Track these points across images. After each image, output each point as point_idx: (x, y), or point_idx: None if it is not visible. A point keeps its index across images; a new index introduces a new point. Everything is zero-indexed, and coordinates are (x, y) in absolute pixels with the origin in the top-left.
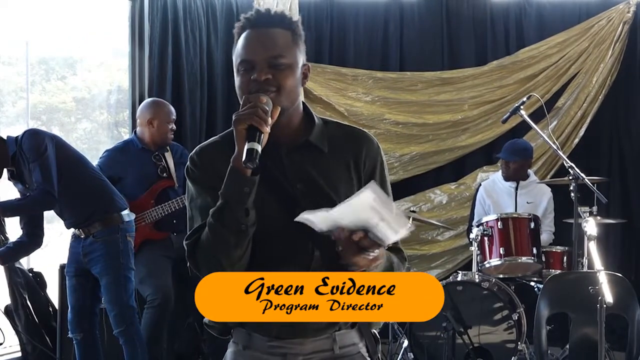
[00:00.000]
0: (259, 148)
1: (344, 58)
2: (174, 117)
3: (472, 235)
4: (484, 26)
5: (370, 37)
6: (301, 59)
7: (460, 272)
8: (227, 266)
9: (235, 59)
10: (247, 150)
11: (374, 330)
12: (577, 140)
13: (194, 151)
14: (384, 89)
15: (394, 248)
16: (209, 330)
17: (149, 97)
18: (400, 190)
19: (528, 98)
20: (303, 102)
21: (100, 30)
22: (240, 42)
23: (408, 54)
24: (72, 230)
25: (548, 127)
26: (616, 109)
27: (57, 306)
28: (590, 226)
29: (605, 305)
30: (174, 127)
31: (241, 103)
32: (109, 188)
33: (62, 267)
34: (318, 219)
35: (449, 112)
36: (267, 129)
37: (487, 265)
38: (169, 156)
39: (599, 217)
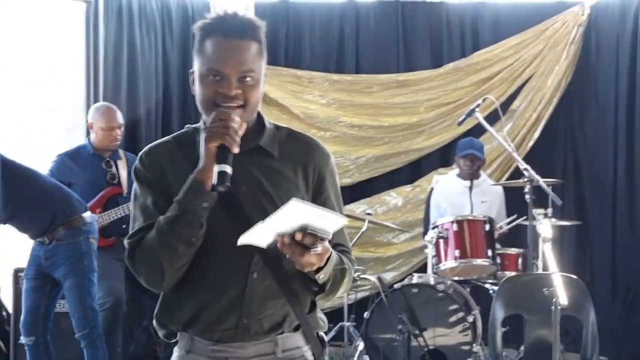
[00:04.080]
0: (229, 170)
1: (299, 60)
2: (115, 123)
3: (427, 238)
4: (440, 28)
5: (326, 39)
6: (264, 69)
7: (415, 274)
8: (167, 271)
9: (202, 64)
10: (220, 172)
11: (321, 333)
12: (531, 142)
13: (143, 151)
14: (340, 92)
15: (343, 251)
16: (157, 333)
17: (104, 100)
18: (356, 192)
19: (483, 100)
20: None
21: (54, 32)
22: (209, 49)
23: (364, 56)
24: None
25: (503, 129)
26: (571, 112)
27: (10, 311)
28: (545, 228)
29: (559, 307)
30: (118, 132)
31: (211, 116)
32: (65, 192)
33: (15, 272)
34: (257, 235)
35: (405, 114)
36: (237, 150)
37: (443, 268)
38: (122, 163)
39: (553, 219)
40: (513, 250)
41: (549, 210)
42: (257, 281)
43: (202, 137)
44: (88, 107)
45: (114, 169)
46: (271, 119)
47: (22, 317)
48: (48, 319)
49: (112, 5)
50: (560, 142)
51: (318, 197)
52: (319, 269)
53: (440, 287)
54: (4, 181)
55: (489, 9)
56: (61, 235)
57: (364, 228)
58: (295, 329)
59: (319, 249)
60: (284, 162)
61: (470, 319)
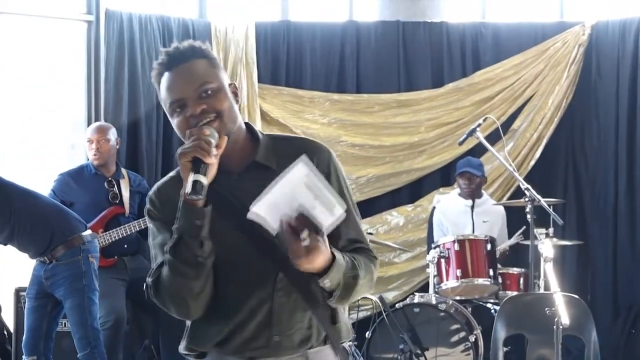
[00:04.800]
0: (204, 179)
1: (300, 80)
2: (90, 135)
3: (428, 257)
4: (440, 48)
5: (327, 59)
6: (225, 79)
7: (417, 294)
8: (190, 299)
9: (165, 103)
10: (192, 182)
11: (346, 344)
12: (533, 162)
13: (151, 191)
14: (341, 111)
15: (359, 248)
16: (158, 352)
17: (105, 119)
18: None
19: (484, 120)
20: (246, 122)
21: (55, 51)
22: (163, 86)
23: (364, 76)
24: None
25: (504, 149)
26: (572, 131)
27: (12, 330)
28: (547, 248)
29: (561, 327)
30: (93, 147)
31: (186, 138)
32: (64, 212)
33: (17, 291)
34: (266, 212)
35: (406, 134)
36: (212, 160)
37: (444, 287)
38: (124, 183)
39: (555, 239)
40: (514, 270)
41: (551, 230)
42: (284, 297)
43: (179, 151)
44: (89, 126)
45: (115, 189)
46: None
47: (23, 337)
48: (50, 338)
49: (114, 25)
50: (561, 161)
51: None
52: (323, 275)
53: (442, 306)
54: (0, 204)
55: (490, 29)
56: (60, 255)
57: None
58: (324, 342)
59: (307, 241)
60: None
61: (471, 338)
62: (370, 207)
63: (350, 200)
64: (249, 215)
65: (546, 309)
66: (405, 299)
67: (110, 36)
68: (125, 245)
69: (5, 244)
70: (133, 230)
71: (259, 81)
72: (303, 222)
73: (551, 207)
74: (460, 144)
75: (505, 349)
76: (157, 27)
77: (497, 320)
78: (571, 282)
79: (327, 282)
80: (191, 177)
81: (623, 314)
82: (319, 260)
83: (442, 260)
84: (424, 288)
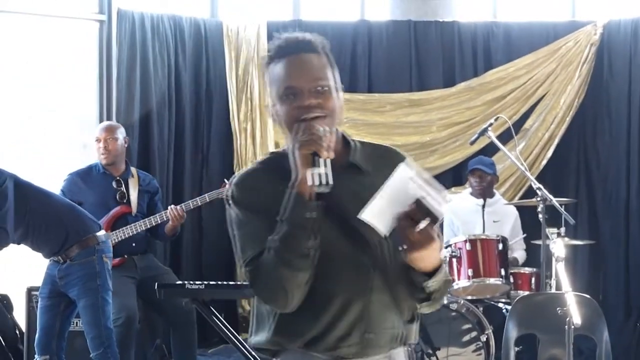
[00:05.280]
0: (329, 172)
1: None
2: (98, 134)
3: None
4: (452, 47)
5: (339, 58)
6: (337, 79)
7: None
8: (290, 290)
9: (278, 86)
10: (317, 174)
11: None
12: (545, 161)
13: (237, 178)
14: (353, 111)
15: None
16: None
17: (117, 119)
18: None
19: (496, 119)
20: None
21: (68, 51)
22: (279, 69)
23: (376, 76)
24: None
25: (516, 148)
26: (583, 131)
27: (23, 329)
28: (558, 247)
29: (573, 327)
30: (102, 146)
31: (294, 130)
32: (78, 212)
33: (29, 290)
34: (378, 215)
35: (418, 133)
36: (331, 154)
37: (456, 287)
38: (133, 182)
39: (566, 239)
40: (526, 270)
41: (562, 230)
42: (377, 296)
43: (293, 149)
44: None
45: (123, 188)
46: (283, 137)
47: (36, 336)
48: (62, 337)
49: (125, 24)
50: (573, 161)
51: None
52: (430, 275)
53: (454, 306)
54: (15, 203)
55: (502, 28)
56: (74, 255)
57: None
58: (402, 342)
59: (424, 223)
60: (376, 176)
61: (483, 338)
62: None
63: None
64: (360, 216)
65: (558, 308)
66: None
67: (122, 36)
68: (134, 244)
69: (19, 243)
70: (141, 229)
71: None
72: (422, 211)
73: (563, 206)
74: (472, 143)
75: (516, 348)
76: (168, 26)
77: (509, 320)
78: (583, 282)
79: (432, 284)
80: (314, 170)
81: (635, 313)
82: (436, 252)
83: (454, 260)
84: None
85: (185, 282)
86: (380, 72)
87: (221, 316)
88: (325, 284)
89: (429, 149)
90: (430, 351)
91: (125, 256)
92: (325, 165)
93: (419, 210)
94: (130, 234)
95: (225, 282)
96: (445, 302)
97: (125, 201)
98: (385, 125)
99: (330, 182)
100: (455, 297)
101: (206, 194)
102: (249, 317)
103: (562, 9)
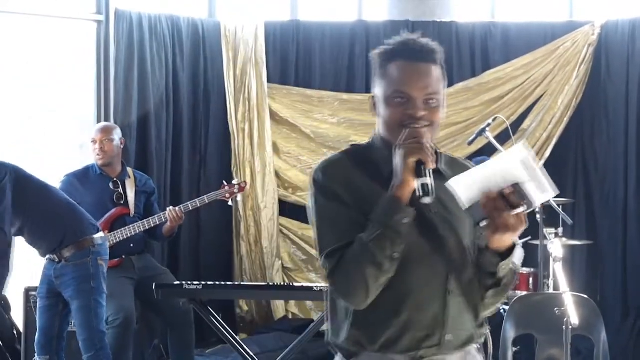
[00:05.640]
0: (431, 182)
1: (310, 80)
2: (94, 135)
3: None
4: (450, 48)
5: (336, 58)
6: (444, 94)
7: None
8: (371, 290)
9: (388, 87)
10: (423, 184)
11: None
12: (542, 162)
13: (324, 165)
14: (350, 111)
15: None
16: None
17: (114, 119)
18: None
19: (494, 120)
20: None
21: (65, 51)
22: (395, 72)
23: (374, 76)
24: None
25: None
26: (581, 131)
27: (21, 329)
28: (556, 248)
29: (571, 327)
30: (98, 147)
31: (403, 135)
32: (78, 212)
33: (26, 290)
34: (465, 184)
35: None
36: (432, 166)
37: None
38: (130, 183)
39: (564, 239)
40: (524, 270)
41: (560, 230)
42: (454, 297)
43: (398, 153)
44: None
45: (120, 189)
46: (281, 138)
47: (36, 336)
48: (61, 337)
49: (123, 24)
50: (570, 161)
51: None
52: (503, 257)
53: None
54: (15, 196)
55: (500, 29)
56: (69, 256)
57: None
58: (472, 342)
59: (523, 209)
60: None
61: None
62: None
63: None
64: (448, 184)
65: (555, 309)
66: None
67: (120, 36)
68: (132, 245)
69: (16, 236)
70: (139, 230)
71: (269, 81)
72: (520, 196)
73: (560, 206)
74: (470, 143)
75: (514, 348)
76: (166, 27)
77: (506, 320)
78: (581, 282)
79: (504, 266)
80: (418, 181)
81: (633, 314)
82: (518, 232)
83: None
84: None
85: (183, 282)
86: None
87: (219, 316)
88: (404, 285)
89: None
90: None
91: (123, 257)
92: (430, 176)
93: (517, 194)
94: (129, 235)
95: (223, 283)
96: None
97: (122, 202)
98: None
99: (432, 193)
100: None
101: (205, 196)
102: (247, 317)
103: (560, 9)
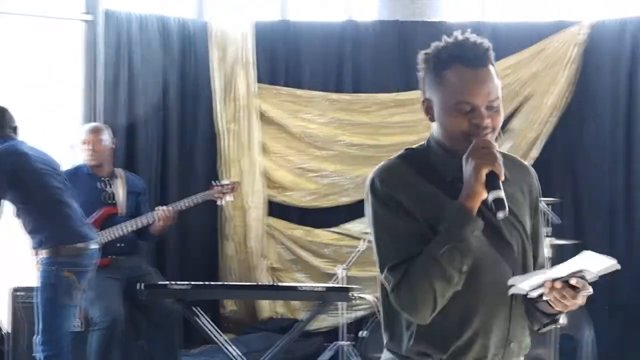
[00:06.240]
0: (503, 195)
1: (299, 80)
2: (83, 137)
3: None
4: None
5: (325, 58)
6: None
7: None
8: (438, 304)
9: (449, 96)
10: (497, 199)
11: None
12: (530, 161)
13: (381, 172)
14: (339, 111)
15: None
16: (153, 353)
17: (103, 119)
18: (354, 211)
19: None
20: None
21: (54, 51)
22: (455, 79)
23: (363, 76)
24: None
25: (501, 148)
26: (569, 131)
27: (9, 330)
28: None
29: (558, 326)
30: (89, 147)
31: (474, 144)
32: (68, 217)
33: (13, 291)
34: (527, 280)
35: (403, 133)
36: (503, 177)
37: None
38: (120, 183)
39: (552, 238)
40: None
41: (548, 230)
42: (518, 303)
43: (470, 164)
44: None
45: (110, 189)
46: (269, 138)
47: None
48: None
49: (112, 25)
50: (558, 161)
51: (533, 218)
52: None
53: None
54: (15, 179)
55: (488, 28)
56: (41, 258)
57: (362, 247)
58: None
59: (589, 291)
60: (514, 186)
61: None
62: None
63: (541, 220)
64: (511, 291)
65: None
66: None
67: (109, 36)
68: (122, 245)
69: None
70: (128, 230)
71: (258, 81)
72: (582, 279)
73: (549, 206)
74: None
75: None
76: (155, 27)
77: None
78: None
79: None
80: (492, 195)
81: (619, 313)
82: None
83: None
84: None
85: (170, 282)
86: (367, 72)
87: (205, 316)
88: (474, 295)
89: None
90: None
91: (112, 257)
92: (499, 188)
93: (579, 281)
94: (119, 234)
95: (209, 283)
96: None
97: (112, 202)
98: (372, 126)
99: (506, 208)
100: None
101: (197, 195)
102: (233, 317)
103: (548, 9)
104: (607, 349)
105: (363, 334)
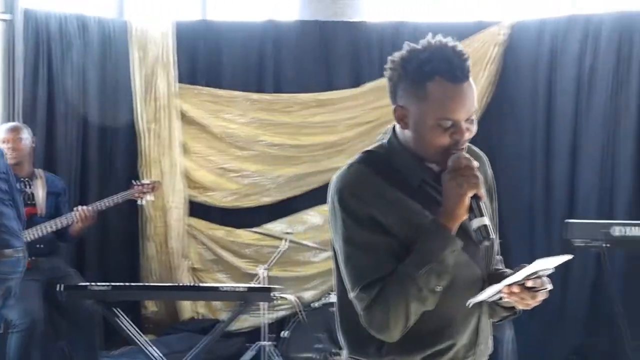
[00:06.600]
0: (488, 221)
1: (219, 80)
2: (3, 136)
3: None
4: (360, 47)
5: (246, 58)
6: None
7: (334, 293)
8: (410, 323)
9: (430, 110)
10: (482, 226)
11: None
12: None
13: (350, 183)
14: (260, 111)
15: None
16: (71, 354)
17: (22, 119)
18: (276, 211)
19: None
20: None
21: None
22: (439, 95)
23: (284, 76)
24: None
25: None
26: (489, 131)
27: None
28: None
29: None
30: (8, 146)
31: (452, 161)
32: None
33: None
34: (487, 293)
35: (325, 133)
36: (484, 198)
37: None
38: (40, 183)
39: None
40: None
41: None
42: (484, 316)
43: (453, 185)
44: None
45: (29, 189)
46: (190, 138)
47: None
48: None
49: (31, 24)
50: None
51: (491, 205)
52: None
53: None
54: None
55: (409, 29)
56: None
57: (284, 247)
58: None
59: (550, 286)
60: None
61: None
62: (289, 207)
63: (497, 206)
64: (471, 302)
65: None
66: (322, 298)
67: (28, 35)
68: (41, 245)
69: None
70: (48, 231)
71: (178, 81)
72: (537, 279)
73: None
74: None
75: None
76: (75, 26)
77: None
78: None
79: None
80: (477, 222)
81: (540, 313)
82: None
83: None
84: None
85: (90, 283)
86: (288, 72)
87: (126, 317)
88: (446, 312)
89: (336, 149)
90: (335, 351)
91: (32, 258)
92: (482, 213)
93: (536, 281)
94: (38, 235)
95: (130, 284)
96: None
97: (31, 202)
98: (293, 126)
99: (492, 235)
100: None
101: (117, 195)
102: (154, 318)
103: (469, 9)
104: (526, 348)
105: (284, 334)
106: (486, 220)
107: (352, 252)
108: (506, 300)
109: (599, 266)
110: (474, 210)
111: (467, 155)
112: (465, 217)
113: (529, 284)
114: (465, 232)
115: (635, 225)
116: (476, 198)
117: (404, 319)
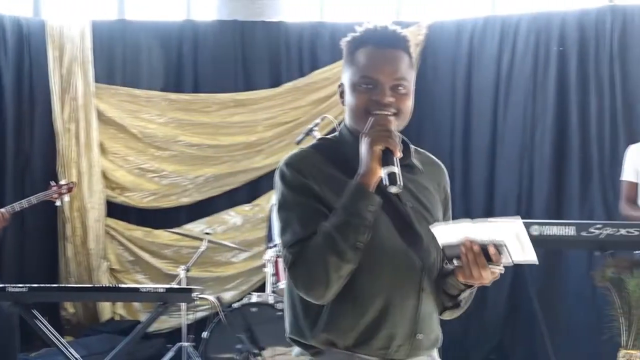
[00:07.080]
0: (398, 171)
1: (137, 79)
2: None
3: (266, 256)
4: (278, 48)
5: (164, 58)
6: (414, 81)
7: (254, 293)
8: (332, 281)
9: (355, 73)
10: (390, 173)
11: None
12: None
13: (290, 159)
14: (178, 111)
15: None
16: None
17: None
18: (195, 212)
19: (322, 119)
20: None
21: None
22: (363, 58)
23: (202, 76)
24: None
25: None
26: (407, 131)
27: None
28: None
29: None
30: None
31: (369, 122)
32: None
33: None
34: (449, 231)
35: (243, 133)
36: (400, 154)
37: (282, 286)
38: None
39: None
40: None
41: None
42: (426, 296)
43: (364, 141)
44: None
45: None
46: (108, 137)
47: None
48: None
49: None
50: None
51: (444, 215)
52: (467, 287)
53: (279, 305)
54: None
55: (327, 29)
56: None
57: (203, 247)
58: (438, 345)
59: (500, 268)
60: (427, 179)
61: None
62: (208, 207)
63: (451, 216)
64: (431, 227)
65: None
66: (242, 298)
67: None
68: None
69: None
70: None
71: (95, 80)
72: (500, 253)
73: None
74: (298, 143)
75: None
76: None
77: None
78: None
79: (466, 294)
80: (385, 170)
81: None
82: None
83: (280, 260)
84: (262, 288)
85: (7, 285)
86: (207, 72)
87: (44, 319)
88: (378, 280)
89: (255, 149)
90: (256, 351)
91: None
92: (398, 165)
93: (497, 254)
94: None
95: (48, 285)
96: (271, 301)
97: None
98: (211, 126)
99: (400, 182)
100: (281, 296)
101: (33, 196)
102: (73, 320)
103: (387, 10)
104: (446, 345)
105: (204, 334)
106: (395, 169)
107: (284, 216)
108: (456, 265)
109: (518, 264)
110: (385, 162)
111: (384, 116)
112: (379, 171)
113: (491, 250)
114: (405, 220)
115: (552, 224)
116: (387, 151)
117: (324, 275)
